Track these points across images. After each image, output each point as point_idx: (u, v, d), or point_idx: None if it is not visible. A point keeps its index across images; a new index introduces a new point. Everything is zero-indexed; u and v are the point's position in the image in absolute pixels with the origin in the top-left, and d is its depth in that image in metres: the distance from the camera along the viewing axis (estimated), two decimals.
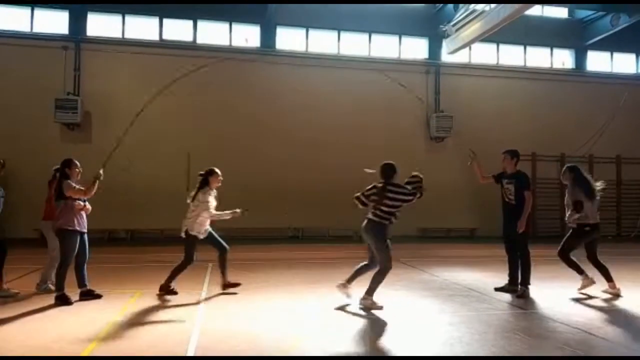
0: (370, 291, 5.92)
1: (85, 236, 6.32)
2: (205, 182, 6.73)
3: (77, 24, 14.94)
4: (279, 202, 14.99)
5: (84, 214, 6.26)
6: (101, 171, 6.21)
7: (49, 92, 14.04)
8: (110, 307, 5.79)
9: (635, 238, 15.99)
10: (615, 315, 5.71)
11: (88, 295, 6.24)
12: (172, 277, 6.63)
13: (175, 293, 6.52)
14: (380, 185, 5.92)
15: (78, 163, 6.32)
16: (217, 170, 6.81)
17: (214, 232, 6.87)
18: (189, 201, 6.70)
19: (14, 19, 14.65)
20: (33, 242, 13.26)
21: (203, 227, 6.64)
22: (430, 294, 6.80)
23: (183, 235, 6.63)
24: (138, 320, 5.34)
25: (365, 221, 5.99)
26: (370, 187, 6.00)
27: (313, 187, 15.15)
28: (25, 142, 14.03)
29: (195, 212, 6.58)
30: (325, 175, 15.24)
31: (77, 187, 6.14)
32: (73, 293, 6.15)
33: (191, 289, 6.84)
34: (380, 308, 5.82)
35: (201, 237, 6.66)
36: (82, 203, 6.17)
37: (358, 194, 6.05)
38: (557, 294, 6.90)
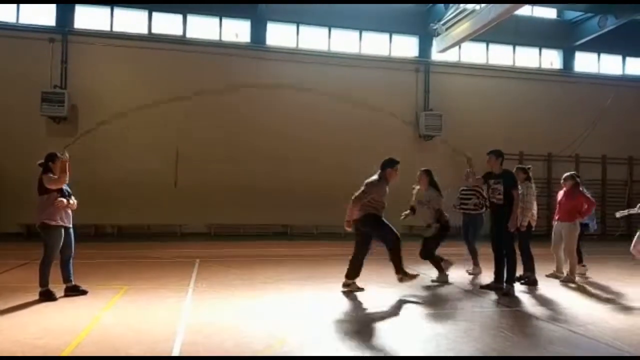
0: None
1: (71, 230, 6.23)
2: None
3: (65, 15, 14.69)
4: (268, 200, 14.96)
5: (69, 209, 6.14)
6: (66, 154, 5.93)
7: (35, 84, 13.80)
8: (96, 303, 5.74)
9: (619, 237, 16.19)
10: (599, 314, 5.78)
11: (73, 290, 6.16)
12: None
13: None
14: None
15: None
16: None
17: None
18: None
19: None
20: (18, 236, 13.16)
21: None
22: (417, 291, 6.85)
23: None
24: (124, 316, 5.30)
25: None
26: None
27: (302, 185, 15.12)
28: (10, 136, 13.81)
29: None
30: (314, 173, 15.23)
31: (52, 176, 5.94)
32: (58, 289, 6.09)
33: (178, 285, 6.82)
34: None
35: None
36: (64, 200, 5.99)
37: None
38: (542, 292, 6.99)
